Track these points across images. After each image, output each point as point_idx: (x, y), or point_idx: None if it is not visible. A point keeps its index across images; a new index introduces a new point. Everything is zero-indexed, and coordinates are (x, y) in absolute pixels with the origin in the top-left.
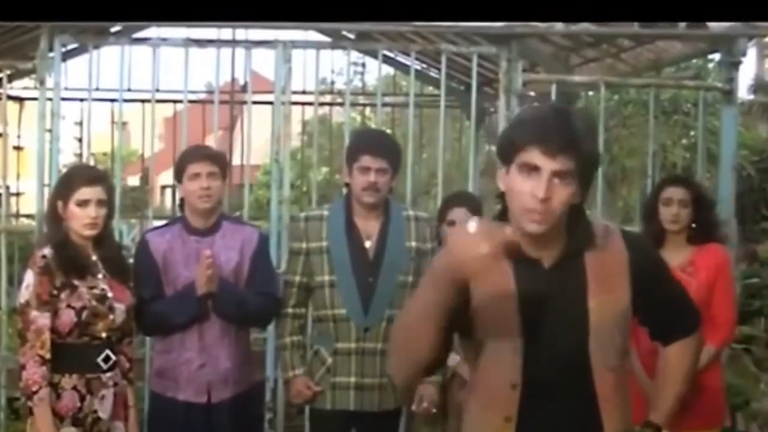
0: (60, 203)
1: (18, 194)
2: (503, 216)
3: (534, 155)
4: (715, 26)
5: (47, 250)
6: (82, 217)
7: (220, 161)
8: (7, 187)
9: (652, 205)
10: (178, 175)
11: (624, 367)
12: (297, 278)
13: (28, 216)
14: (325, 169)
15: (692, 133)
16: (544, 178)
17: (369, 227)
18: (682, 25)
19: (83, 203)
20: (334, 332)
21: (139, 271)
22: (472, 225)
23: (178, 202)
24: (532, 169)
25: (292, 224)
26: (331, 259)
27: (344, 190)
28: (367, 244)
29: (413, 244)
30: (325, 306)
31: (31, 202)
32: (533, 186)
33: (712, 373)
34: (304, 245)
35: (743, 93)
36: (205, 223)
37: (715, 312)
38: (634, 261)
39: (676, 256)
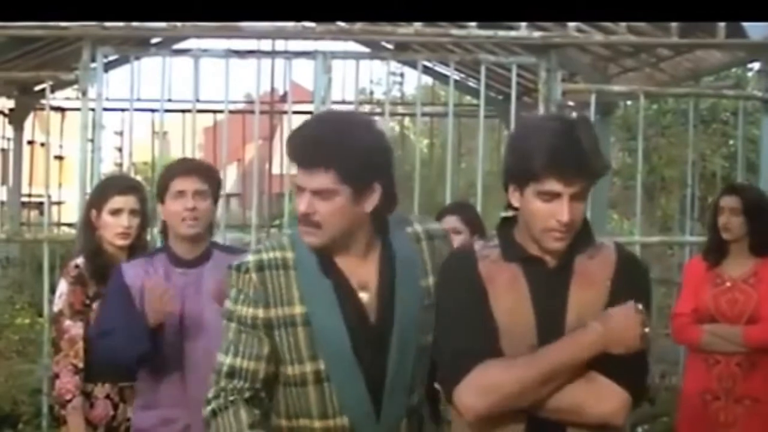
0: (93, 212)
1: (59, 203)
2: (510, 226)
3: (552, 184)
4: (754, 34)
5: (80, 260)
6: (114, 226)
7: (210, 177)
8: (49, 196)
9: (712, 215)
10: (160, 194)
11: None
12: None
13: (69, 225)
14: None
15: (731, 142)
16: (566, 203)
17: (360, 269)
18: (721, 34)
19: (116, 212)
20: None
21: (104, 305)
22: None
23: (159, 227)
24: (553, 195)
25: (236, 276)
26: (311, 335)
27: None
28: (363, 297)
29: (430, 280)
30: (306, 414)
31: (72, 211)
32: (554, 210)
33: None
34: (260, 313)
35: None
36: (192, 253)
37: None
38: (619, 274)
39: (738, 267)
